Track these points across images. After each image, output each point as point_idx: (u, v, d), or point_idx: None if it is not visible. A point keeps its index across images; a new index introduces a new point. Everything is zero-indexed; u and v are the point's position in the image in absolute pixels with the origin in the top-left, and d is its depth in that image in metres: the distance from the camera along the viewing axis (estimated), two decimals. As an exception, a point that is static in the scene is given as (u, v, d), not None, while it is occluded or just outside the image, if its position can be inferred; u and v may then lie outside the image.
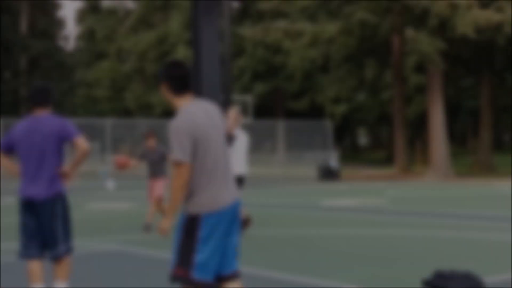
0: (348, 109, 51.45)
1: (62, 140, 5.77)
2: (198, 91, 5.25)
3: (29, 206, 5.75)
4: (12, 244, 9.41)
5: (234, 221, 4.37)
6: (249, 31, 47.64)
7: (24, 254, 5.80)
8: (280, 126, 37.60)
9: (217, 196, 4.28)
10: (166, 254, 8.97)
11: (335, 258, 8.72)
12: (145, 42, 56.44)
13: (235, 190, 4.44)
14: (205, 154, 4.29)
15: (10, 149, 5.85)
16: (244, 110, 24.30)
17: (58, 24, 72.53)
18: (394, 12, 34.34)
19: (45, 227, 5.73)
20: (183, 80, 4.44)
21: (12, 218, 13.15)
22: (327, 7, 38.30)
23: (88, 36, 66.42)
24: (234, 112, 4.84)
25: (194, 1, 5.24)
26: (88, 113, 60.04)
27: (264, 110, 51.12)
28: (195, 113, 4.30)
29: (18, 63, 67.12)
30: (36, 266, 5.78)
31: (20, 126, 5.87)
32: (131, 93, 59.17)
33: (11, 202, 18.64)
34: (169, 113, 48.61)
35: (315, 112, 50.23)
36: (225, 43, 4.66)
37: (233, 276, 4.37)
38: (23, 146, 5.77)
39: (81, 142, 5.71)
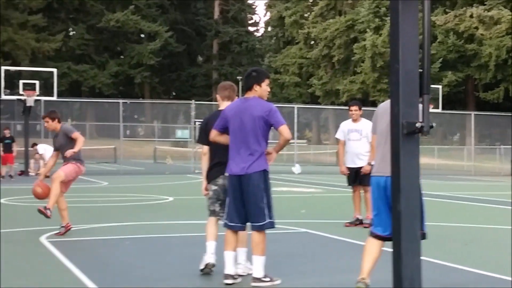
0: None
1: (268, 124, 6.09)
2: (396, 78, 5.12)
3: (235, 181, 6.07)
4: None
5: None
6: (441, 18, 46.25)
7: (227, 225, 6.16)
8: (471, 117, 36.17)
9: None
10: (345, 237, 9.01)
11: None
12: (333, 28, 56.50)
13: None
14: None
15: (224, 128, 6.24)
16: (432, 100, 23.65)
17: (249, 10, 74.61)
18: None
19: (250, 200, 6.02)
20: None
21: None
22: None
23: (277, 22, 67.62)
24: None
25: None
26: (275, 98, 61.31)
27: (454, 100, 49.42)
28: None
29: (211, 48, 69.92)
30: (232, 235, 6.16)
31: (231, 105, 6.30)
32: (318, 79, 59.58)
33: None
34: (353, 100, 48.33)
35: (510, 103, 47.73)
36: (425, 29, 4.55)
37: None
38: (232, 125, 6.14)
39: (285, 131, 6.01)
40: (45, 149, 24.01)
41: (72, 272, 6.59)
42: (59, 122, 9.77)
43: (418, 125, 4.89)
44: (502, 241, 9.37)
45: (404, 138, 5.03)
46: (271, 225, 6.10)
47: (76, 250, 7.99)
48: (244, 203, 6.06)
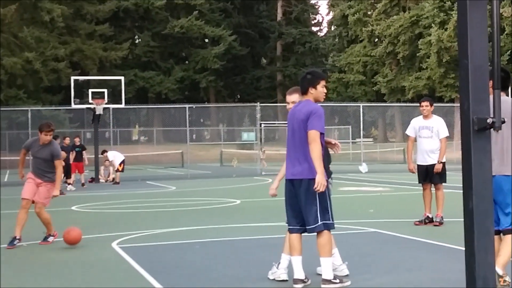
0: None
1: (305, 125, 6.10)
2: (465, 74, 5.00)
3: (289, 185, 6.17)
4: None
5: None
6: (507, 9, 45.16)
7: (289, 229, 6.22)
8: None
9: None
10: (415, 236, 8.84)
11: None
12: (398, 25, 55.84)
13: None
14: None
15: None
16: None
17: (311, 10, 74.37)
18: None
19: (302, 204, 6.06)
20: None
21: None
22: None
23: (340, 21, 67.22)
24: None
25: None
26: (340, 98, 60.93)
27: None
28: None
29: (274, 49, 70.00)
30: (295, 239, 6.15)
31: (291, 110, 6.33)
32: (383, 76, 58.97)
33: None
34: (421, 97, 47.62)
35: None
36: (494, 22, 4.42)
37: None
38: (288, 129, 6.26)
39: (311, 136, 5.97)
40: (115, 156, 24.49)
41: (143, 277, 6.67)
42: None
43: (489, 120, 4.77)
44: None
45: (475, 134, 4.92)
46: (326, 227, 6.04)
47: (147, 255, 8.09)
48: (300, 206, 6.11)
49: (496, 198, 5.55)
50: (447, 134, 10.86)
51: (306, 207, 6.01)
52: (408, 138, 11.18)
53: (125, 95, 27.51)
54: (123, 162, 24.51)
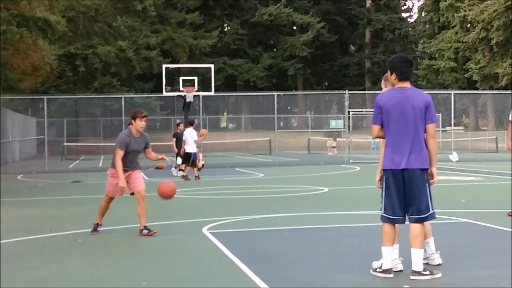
0: None
1: (425, 117, 6.00)
2: None
3: (399, 174, 6.00)
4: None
5: None
6: None
7: (389, 218, 6.04)
8: None
9: None
10: (509, 227, 8.61)
11: None
12: (492, 10, 54.19)
13: None
14: None
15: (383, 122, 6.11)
16: None
17: (402, -4, 73.05)
18: None
19: (414, 193, 5.97)
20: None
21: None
22: None
23: (431, 6, 65.76)
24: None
25: None
26: (430, 85, 59.72)
27: None
28: None
29: (363, 37, 69.23)
30: (391, 229, 6.05)
31: (386, 96, 6.12)
32: (475, 63, 57.44)
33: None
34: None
35: None
36: None
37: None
38: (392, 116, 6.00)
39: (434, 130, 5.99)
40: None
41: (234, 263, 6.78)
42: None
43: None
44: None
45: None
46: (434, 216, 6.05)
47: (237, 241, 8.22)
48: (405, 196, 5.98)
49: None
50: None
51: (418, 196, 5.93)
52: (510, 123, 10.76)
53: (214, 82, 27.84)
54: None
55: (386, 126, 6.05)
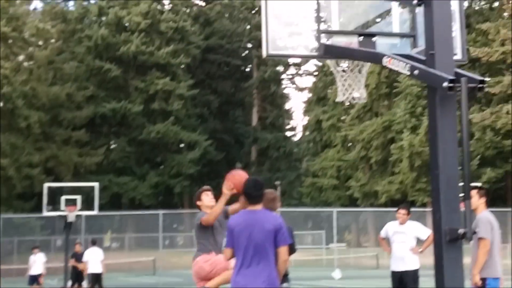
0: None
1: (275, 240, 5.98)
2: (436, 179, 5.08)
3: None
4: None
5: None
6: (477, 115, 46.23)
7: None
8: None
9: None
10: None
11: None
12: (370, 130, 56.76)
13: None
14: None
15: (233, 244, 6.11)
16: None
17: (287, 115, 75.61)
18: None
19: None
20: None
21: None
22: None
23: (314, 126, 68.28)
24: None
25: (429, 94, 5.15)
26: (314, 202, 61.01)
27: (494, 197, 48.63)
28: None
29: (249, 154, 70.56)
30: None
31: (237, 219, 6.18)
32: (356, 181, 59.40)
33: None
34: (394, 201, 47.86)
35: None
36: (464, 130, 4.54)
37: None
38: (241, 239, 6.00)
39: (285, 252, 5.96)
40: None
41: None
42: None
43: (461, 231, 4.79)
44: None
45: (447, 245, 4.92)
46: None
47: None
48: None
49: None
50: (431, 231, 10.84)
51: None
52: (380, 238, 11.28)
53: (99, 200, 27.29)
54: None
55: (236, 249, 6.04)
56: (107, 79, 61.28)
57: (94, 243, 20.82)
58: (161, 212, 29.72)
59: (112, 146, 64.38)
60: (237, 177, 7.71)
